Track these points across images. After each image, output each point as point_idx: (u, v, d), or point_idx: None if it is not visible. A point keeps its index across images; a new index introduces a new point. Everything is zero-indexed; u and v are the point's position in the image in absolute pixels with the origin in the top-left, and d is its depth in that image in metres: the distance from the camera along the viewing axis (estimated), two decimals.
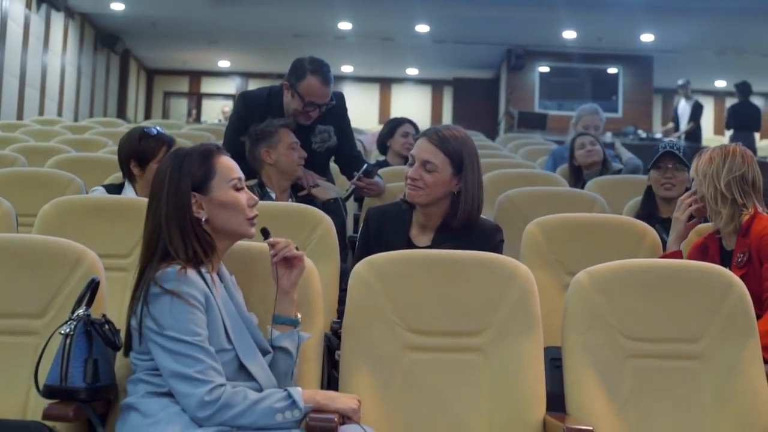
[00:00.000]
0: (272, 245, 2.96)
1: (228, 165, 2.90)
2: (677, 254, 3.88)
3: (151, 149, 4.62)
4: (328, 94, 5.01)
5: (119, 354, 2.90)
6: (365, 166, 5.01)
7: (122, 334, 2.87)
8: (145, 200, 4.27)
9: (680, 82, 15.22)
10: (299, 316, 2.98)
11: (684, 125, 14.85)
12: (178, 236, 2.76)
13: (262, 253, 3.06)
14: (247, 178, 3.27)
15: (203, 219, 2.81)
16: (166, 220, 2.77)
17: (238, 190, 2.88)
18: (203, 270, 2.76)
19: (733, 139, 14.00)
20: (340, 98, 5.24)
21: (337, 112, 5.20)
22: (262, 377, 2.76)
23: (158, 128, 4.79)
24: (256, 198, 2.94)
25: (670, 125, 15.49)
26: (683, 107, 15.10)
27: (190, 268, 2.71)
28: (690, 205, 3.90)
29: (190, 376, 2.58)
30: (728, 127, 14.76)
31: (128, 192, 4.64)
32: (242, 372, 2.74)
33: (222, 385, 2.60)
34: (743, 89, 14.64)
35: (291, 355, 2.92)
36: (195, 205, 2.80)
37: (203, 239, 2.80)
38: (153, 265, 2.74)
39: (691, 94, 15.23)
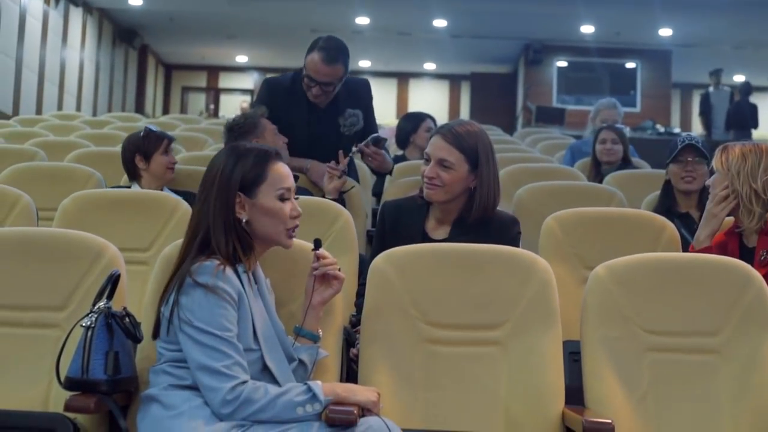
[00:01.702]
0: (319, 258, 2.99)
1: (280, 172, 2.89)
2: (710, 250, 3.85)
3: (154, 143, 4.96)
4: (327, 74, 5.03)
5: (140, 346, 2.92)
6: (375, 135, 5.04)
7: (143, 326, 2.89)
8: (164, 194, 4.35)
9: (711, 70, 15.25)
10: (321, 332, 3.01)
11: (719, 116, 14.84)
12: (221, 231, 2.79)
13: (305, 255, 3.08)
14: None
15: (243, 220, 2.83)
16: (213, 212, 2.80)
17: (284, 200, 2.88)
18: (240, 269, 2.79)
19: (733, 137, 14.07)
20: (365, 85, 5.32)
21: (363, 97, 5.27)
22: (284, 380, 2.76)
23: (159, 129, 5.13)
24: (300, 210, 2.94)
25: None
26: (715, 96, 15.08)
27: (227, 265, 2.73)
28: (729, 201, 3.81)
29: (217, 369, 2.60)
30: (729, 127, 14.79)
31: None
32: (266, 373, 2.76)
33: (245, 381, 2.61)
34: (745, 89, 14.72)
35: (307, 369, 2.95)
36: (238, 205, 2.82)
37: (242, 238, 2.82)
38: (192, 256, 2.77)
39: (721, 85, 15.25)
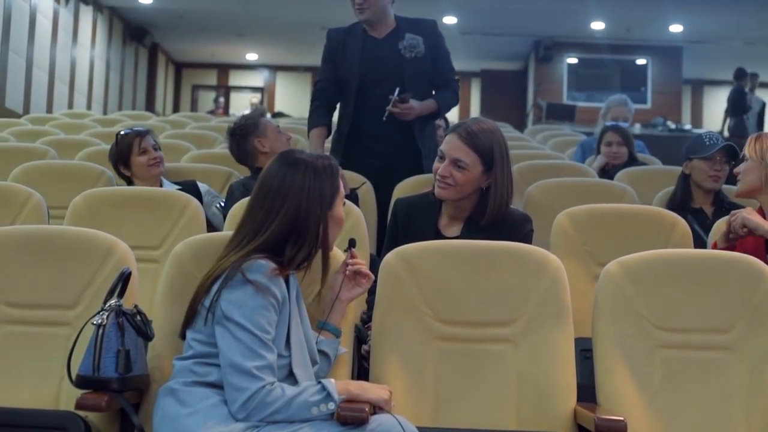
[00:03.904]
0: (353, 256, 3.06)
1: (341, 182, 2.97)
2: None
3: (127, 145, 5.06)
4: None
5: (151, 344, 2.92)
6: (397, 91, 5.04)
7: (154, 324, 2.89)
8: (175, 192, 4.34)
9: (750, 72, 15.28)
10: (342, 329, 3.04)
11: (750, 119, 14.86)
12: (294, 243, 2.81)
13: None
14: None
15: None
16: (290, 224, 2.81)
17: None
18: (291, 275, 2.82)
19: (735, 124, 14.15)
20: (429, 22, 5.45)
21: (427, 31, 5.35)
22: None
23: (129, 129, 5.23)
24: None
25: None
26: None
27: (281, 271, 2.75)
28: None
29: (247, 370, 2.59)
30: (733, 114, 14.79)
31: None
32: (290, 379, 2.76)
33: (265, 386, 2.61)
34: (740, 74, 14.75)
35: (330, 361, 2.98)
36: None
37: (314, 251, 2.86)
38: (248, 251, 2.77)
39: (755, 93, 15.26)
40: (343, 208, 3.79)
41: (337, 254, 3.11)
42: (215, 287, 2.72)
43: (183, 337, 2.83)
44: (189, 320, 2.80)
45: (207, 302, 2.73)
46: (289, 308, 2.78)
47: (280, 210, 2.81)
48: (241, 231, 2.87)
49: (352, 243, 3.08)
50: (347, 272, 3.04)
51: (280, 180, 2.86)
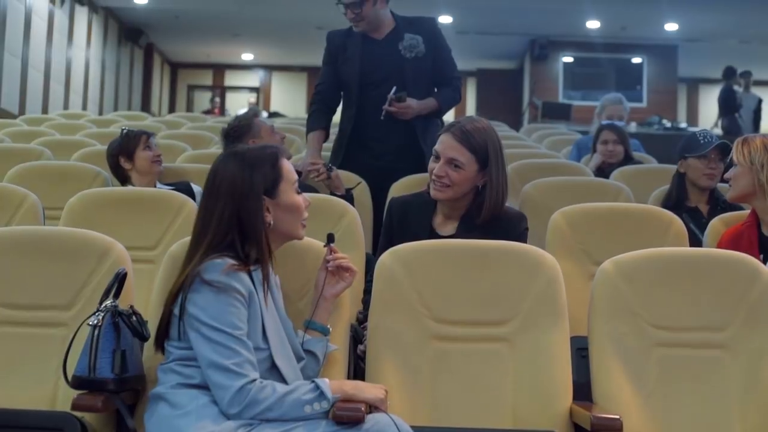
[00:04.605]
0: (332, 251, 3.04)
1: (288, 167, 2.93)
2: None
3: (134, 141, 5.18)
4: None
5: (147, 345, 2.92)
6: (393, 90, 5.04)
7: (150, 325, 2.89)
8: (171, 192, 4.34)
9: (741, 71, 15.31)
10: (330, 327, 3.02)
11: (746, 117, 14.89)
12: (253, 239, 2.80)
13: (315, 253, 3.11)
14: None
15: (270, 224, 2.84)
16: (229, 220, 2.79)
17: (298, 193, 2.93)
18: (252, 268, 2.79)
19: (728, 122, 14.22)
20: (429, 19, 5.47)
21: (425, 28, 5.34)
22: (292, 379, 2.76)
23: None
24: (309, 200, 2.97)
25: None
26: (744, 99, 15.14)
27: (242, 266, 2.73)
28: None
29: (227, 367, 2.60)
30: (724, 113, 14.84)
31: None
32: (273, 371, 2.76)
33: (254, 380, 2.61)
34: (729, 73, 14.81)
35: (318, 361, 2.96)
36: (265, 210, 2.83)
37: (264, 243, 2.82)
38: (201, 254, 2.76)
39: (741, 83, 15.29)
40: (340, 206, 3.80)
41: (314, 246, 3.12)
42: (181, 295, 2.72)
43: (161, 349, 2.82)
44: (163, 331, 2.80)
45: (176, 310, 2.73)
46: (258, 300, 2.76)
47: (216, 207, 2.81)
48: (192, 235, 2.87)
49: (330, 238, 3.06)
50: (329, 268, 3.03)
51: (213, 176, 2.87)
